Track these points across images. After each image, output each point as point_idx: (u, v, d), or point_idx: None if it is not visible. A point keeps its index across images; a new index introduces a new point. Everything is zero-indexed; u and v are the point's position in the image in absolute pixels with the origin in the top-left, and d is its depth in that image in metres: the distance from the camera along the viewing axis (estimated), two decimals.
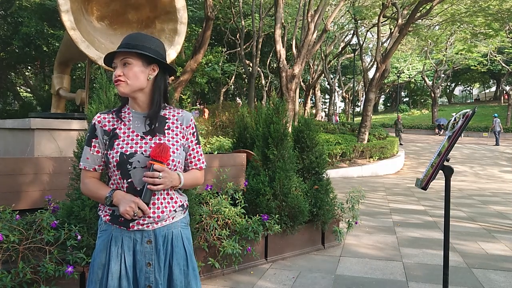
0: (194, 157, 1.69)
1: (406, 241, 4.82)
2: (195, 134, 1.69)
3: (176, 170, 1.58)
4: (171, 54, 4.84)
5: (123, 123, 1.60)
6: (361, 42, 22.69)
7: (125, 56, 1.55)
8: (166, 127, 1.62)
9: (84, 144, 1.65)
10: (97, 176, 1.64)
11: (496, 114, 23.81)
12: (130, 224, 1.54)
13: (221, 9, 19.84)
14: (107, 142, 1.59)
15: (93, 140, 1.61)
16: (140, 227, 1.55)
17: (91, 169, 1.62)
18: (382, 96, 52.64)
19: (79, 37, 4.21)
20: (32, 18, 15.14)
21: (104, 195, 1.54)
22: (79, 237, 2.63)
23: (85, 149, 1.63)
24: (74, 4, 4.32)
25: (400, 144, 20.55)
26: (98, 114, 1.63)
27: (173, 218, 1.61)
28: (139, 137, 1.58)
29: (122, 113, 1.63)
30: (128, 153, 1.53)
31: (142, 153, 1.54)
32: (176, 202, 1.62)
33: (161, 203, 1.57)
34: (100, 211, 1.62)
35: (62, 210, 2.83)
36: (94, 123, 1.62)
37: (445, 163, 2.42)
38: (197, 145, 1.70)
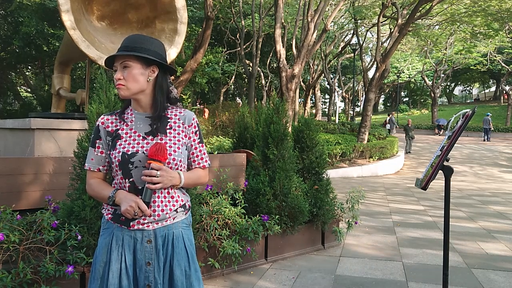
0: (197, 156, 1.70)
1: (406, 241, 4.83)
2: (197, 133, 1.69)
3: (177, 169, 1.59)
4: (172, 54, 4.84)
5: (125, 124, 1.63)
6: (361, 42, 22.67)
7: (124, 59, 1.57)
8: (168, 127, 1.63)
9: (84, 144, 1.67)
10: (102, 177, 1.67)
11: (488, 113, 24.99)
12: (131, 223, 1.56)
13: (221, 9, 19.83)
14: (110, 143, 1.61)
15: (97, 141, 1.64)
16: (140, 226, 1.56)
17: (96, 170, 1.65)
18: (382, 96, 52.62)
19: (79, 36, 4.21)
20: (32, 18, 15.12)
21: (107, 195, 1.57)
22: (79, 237, 2.63)
23: (89, 150, 1.67)
24: (74, 4, 4.31)
25: (408, 152, 19.24)
26: (102, 116, 1.67)
27: (174, 219, 1.62)
28: (141, 138, 1.59)
29: (125, 114, 1.65)
30: (129, 152, 1.55)
31: (143, 152, 1.56)
32: (177, 201, 1.62)
33: (161, 202, 1.58)
34: (103, 209, 1.65)
35: (63, 210, 2.84)
36: (98, 124, 1.65)
37: (445, 163, 2.43)
38: (200, 144, 1.71)
